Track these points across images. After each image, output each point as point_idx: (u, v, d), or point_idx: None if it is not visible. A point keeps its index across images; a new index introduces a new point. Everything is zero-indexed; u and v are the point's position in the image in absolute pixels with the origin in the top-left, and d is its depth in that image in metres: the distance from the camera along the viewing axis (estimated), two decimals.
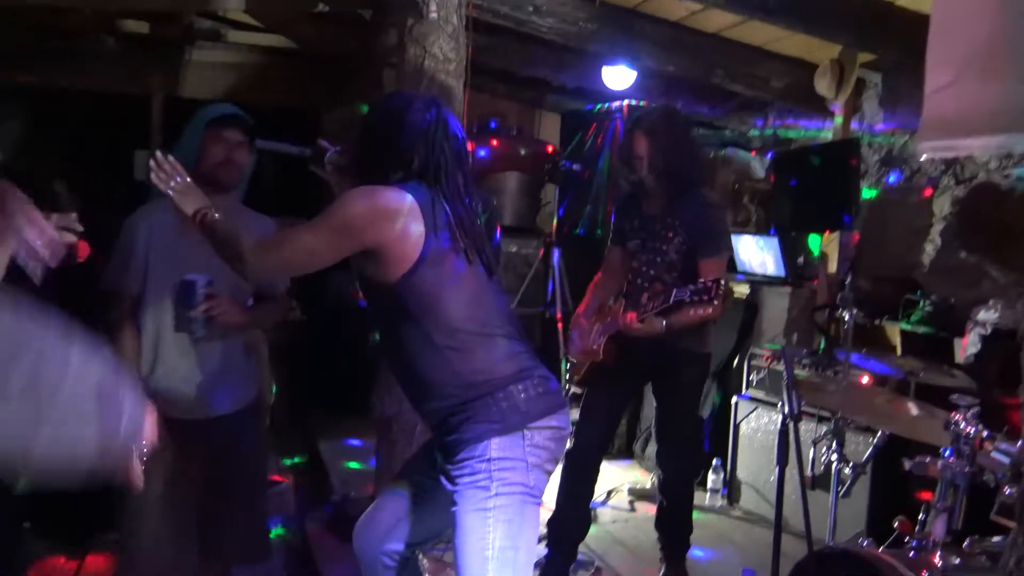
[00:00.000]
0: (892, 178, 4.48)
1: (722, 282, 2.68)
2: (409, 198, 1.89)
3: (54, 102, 5.31)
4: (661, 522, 3.42)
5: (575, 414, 3.29)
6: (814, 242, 4.80)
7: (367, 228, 1.86)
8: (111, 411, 1.22)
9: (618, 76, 4.90)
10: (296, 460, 4.25)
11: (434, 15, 3.15)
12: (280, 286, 2.67)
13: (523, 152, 5.66)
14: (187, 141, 2.52)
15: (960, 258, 3.48)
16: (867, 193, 4.53)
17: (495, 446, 1.89)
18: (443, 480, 1.97)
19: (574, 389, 3.61)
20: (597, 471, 3.34)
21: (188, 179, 2.23)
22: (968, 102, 1.21)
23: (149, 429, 1.44)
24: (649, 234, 3.21)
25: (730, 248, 3.72)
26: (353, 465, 4.55)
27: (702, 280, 2.73)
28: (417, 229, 1.88)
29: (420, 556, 3.19)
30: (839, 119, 4.62)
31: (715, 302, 2.67)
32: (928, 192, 4.26)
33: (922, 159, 3.50)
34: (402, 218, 1.87)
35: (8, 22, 4.52)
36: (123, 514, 2.58)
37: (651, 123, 3.15)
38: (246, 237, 2.01)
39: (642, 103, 4.95)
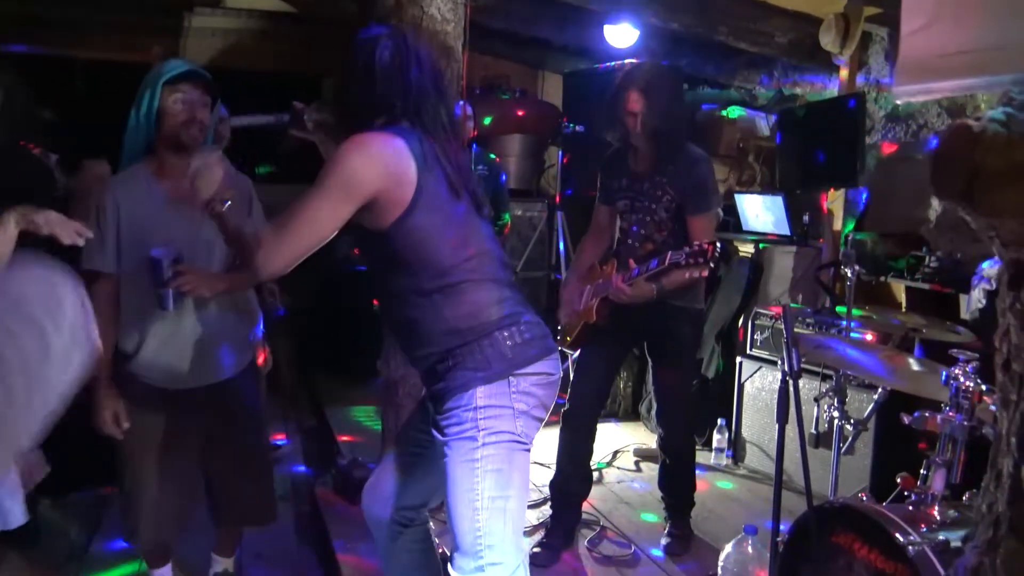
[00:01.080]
0: (899, 133, 4.43)
1: (717, 244, 2.67)
2: (400, 141, 1.86)
3: (54, 71, 5.29)
4: (664, 480, 3.45)
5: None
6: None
7: (365, 180, 1.82)
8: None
9: (621, 35, 4.84)
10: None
11: None
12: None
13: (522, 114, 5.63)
14: (145, 103, 2.45)
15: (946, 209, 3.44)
16: (872, 151, 4.48)
17: (481, 394, 1.89)
18: (434, 432, 1.97)
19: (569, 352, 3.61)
20: (594, 430, 3.35)
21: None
22: (942, 44, 1.19)
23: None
24: (638, 193, 3.20)
25: (720, 203, 3.69)
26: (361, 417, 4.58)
27: (697, 243, 2.72)
28: (410, 172, 1.85)
29: (427, 515, 3.24)
30: (845, 73, 4.55)
31: (710, 264, 2.66)
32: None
33: (899, 103, 3.45)
34: (395, 163, 1.84)
35: None
36: (124, 485, 2.61)
37: (645, 79, 3.12)
38: (254, 237, 1.92)
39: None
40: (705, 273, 2.71)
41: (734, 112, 5.39)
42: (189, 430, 2.56)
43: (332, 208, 1.83)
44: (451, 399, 1.91)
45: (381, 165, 1.83)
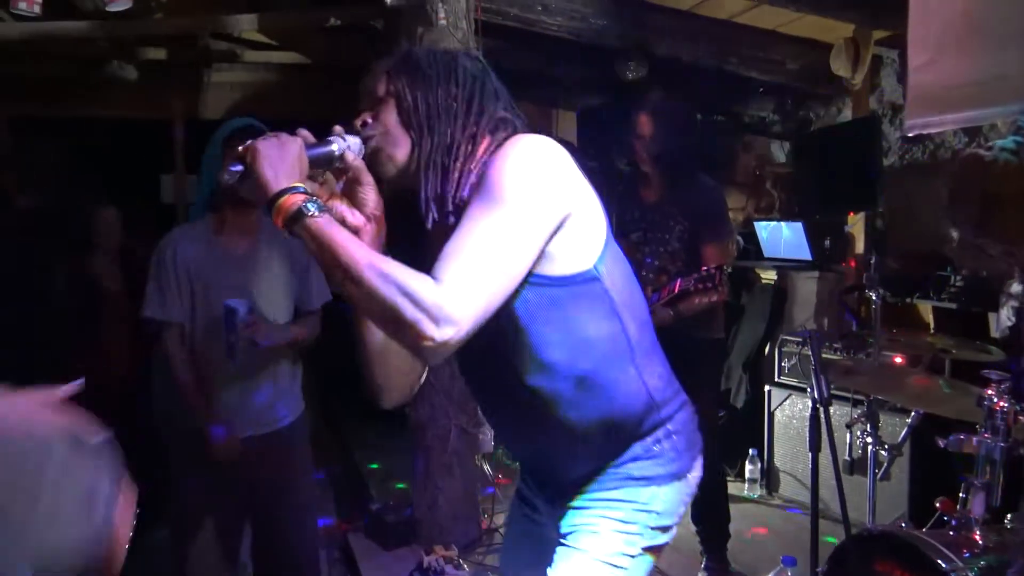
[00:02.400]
0: (915, 154, 4.42)
1: (725, 268, 2.68)
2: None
3: (78, 132, 5.42)
4: (697, 513, 3.41)
5: None
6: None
7: (563, 189, 1.36)
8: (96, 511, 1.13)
9: (631, 70, 4.87)
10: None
11: (443, 21, 3.18)
12: (317, 301, 2.69)
13: None
14: (208, 161, 2.55)
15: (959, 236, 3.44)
16: (889, 170, 4.47)
17: (663, 495, 1.51)
18: (558, 521, 1.55)
19: None
20: None
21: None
22: (949, 77, 1.21)
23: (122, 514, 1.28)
24: (650, 224, 3.21)
25: (732, 231, 3.69)
26: (399, 486, 4.55)
27: (705, 268, 2.72)
28: (588, 186, 1.43)
29: (461, 561, 3.23)
30: (857, 96, 4.56)
31: (720, 288, 2.65)
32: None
33: (910, 135, 3.47)
34: (576, 171, 1.41)
35: (30, 56, 4.62)
36: (172, 539, 2.64)
37: (655, 105, 3.16)
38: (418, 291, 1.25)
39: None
40: (715, 298, 2.69)
41: (748, 140, 5.41)
42: (240, 479, 2.58)
43: (525, 245, 1.32)
44: (624, 489, 1.50)
45: (569, 173, 1.39)
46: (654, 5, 4.33)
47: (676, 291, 2.76)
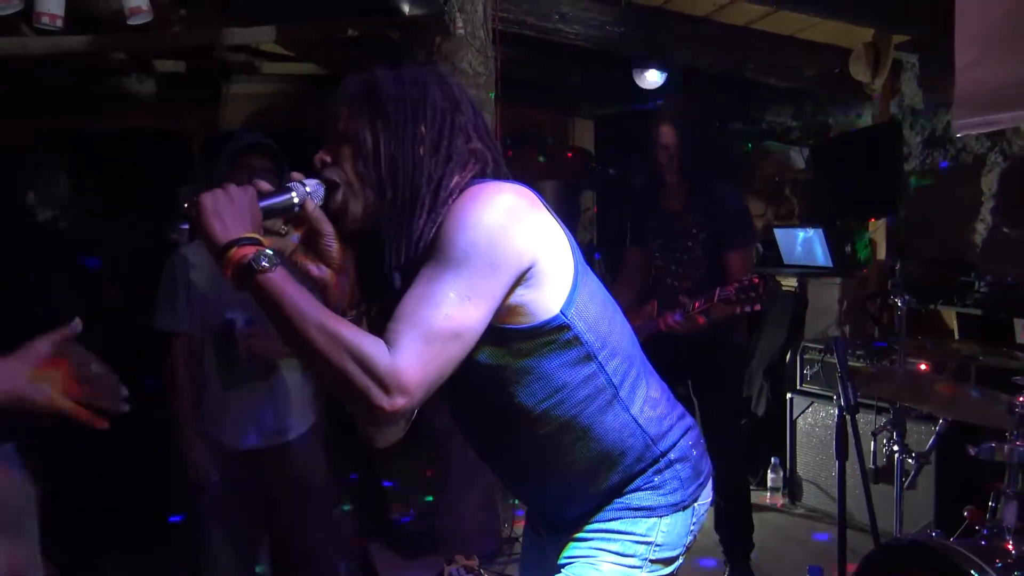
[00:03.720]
0: (937, 158, 4.38)
1: (767, 279, 2.65)
2: (524, 187, 1.38)
3: (96, 145, 5.46)
4: (720, 522, 3.38)
5: None
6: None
7: (521, 241, 1.30)
8: None
9: (649, 77, 4.87)
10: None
11: (461, 31, 3.19)
12: None
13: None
14: (216, 172, 2.56)
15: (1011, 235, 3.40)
16: (912, 176, 4.43)
17: (663, 527, 1.46)
18: (560, 551, 1.51)
19: None
20: None
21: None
22: (996, 77, 1.19)
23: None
24: (671, 231, 3.20)
25: (755, 238, 3.68)
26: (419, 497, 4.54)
27: (746, 278, 2.70)
28: (556, 225, 1.39)
29: (482, 571, 3.21)
30: (877, 101, 4.53)
31: (762, 299, 2.64)
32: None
33: (959, 136, 3.44)
34: (543, 211, 1.37)
35: (48, 68, 4.66)
36: (194, 549, 2.65)
37: (676, 114, 3.16)
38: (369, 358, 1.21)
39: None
40: (757, 308, 2.68)
41: (767, 147, 5.38)
42: (254, 491, 2.59)
43: (482, 304, 1.26)
44: (623, 520, 1.46)
45: (532, 216, 1.34)
46: (671, 12, 4.32)
47: (715, 300, 2.75)
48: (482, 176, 1.39)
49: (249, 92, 5.45)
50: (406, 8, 3.40)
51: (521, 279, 1.30)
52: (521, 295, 1.31)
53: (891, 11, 3.89)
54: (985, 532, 2.13)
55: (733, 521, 3.35)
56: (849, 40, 4.40)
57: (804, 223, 4.98)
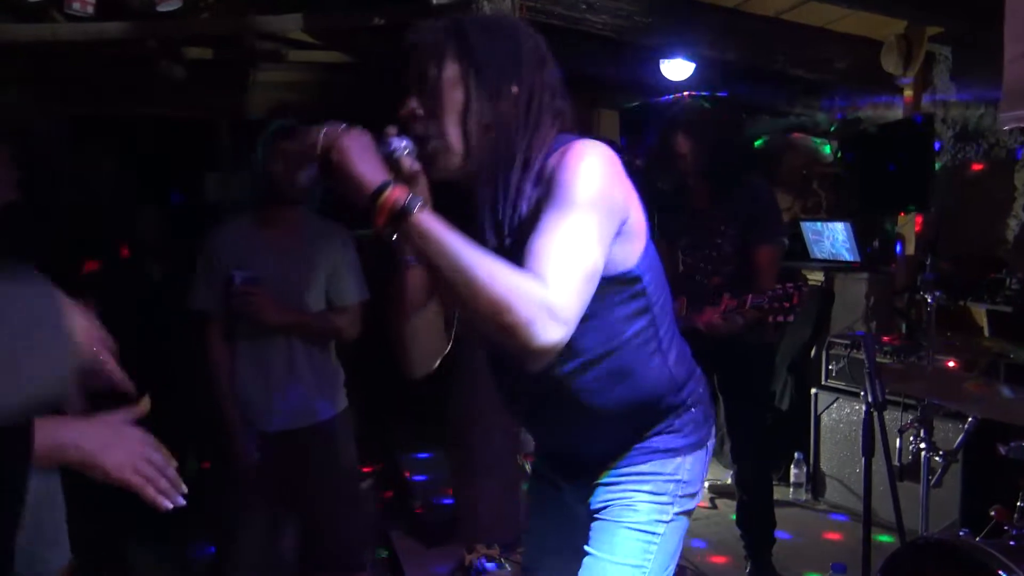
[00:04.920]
0: (969, 153, 4.31)
1: (803, 288, 2.61)
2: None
3: (126, 130, 5.51)
4: (742, 518, 3.37)
5: None
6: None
7: (623, 194, 1.37)
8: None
9: (676, 68, 4.83)
10: None
11: None
12: (350, 297, 2.70)
13: None
14: (254, 156, 2.61)
15: None
16: (942, 170, 4.37)
17: (688, 465, 1.58)
18: (589, 500, 1.59)
19: None
20: None
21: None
22: None
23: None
24: (699, 229, 3.16)
25: (785, 232, 3.62)
26: (441, 486, 4.57)
27: (779, 286, 2.66)
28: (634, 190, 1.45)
29: (503, 560, 3.22)
30: (909, 94, 4.46)
31: (796, 311, 2.58)
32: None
33: (1006, 128, 3.36)
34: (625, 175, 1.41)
35: (78, 56, 4.70)
36: (221, 529, 2.68)
37: (688, 119, 3.10)
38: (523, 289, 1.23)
39: (703, 94, 4.88)
40: (790, 319, 2.63)
41: (795, 140, 5.32)
42: (281, 473, 2.61)
43: (602, 241, 1.32)
44: (652, 463, 1.56)
45: (623, 174, 1.39)
46: (699, 3, 4.27)
47: (746, 307, 2.70)
48: (563, 132, 1.42)
49: (276, 80, 5.47)
50: None
51: (620, 229, 1.37)
52: (615, 244, 1.37)
53: (925, 2, 3.82)
54: (1014, 532, 2.10)
55: (755, 516, 3.33)
56: (881, 32, 4.34)
57: (831, 217, 4.92)
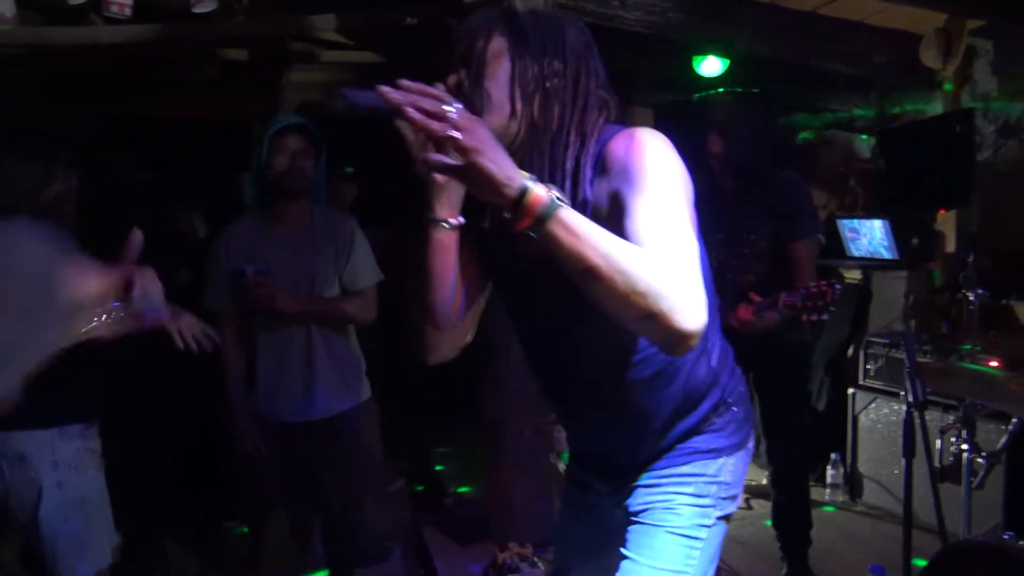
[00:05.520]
0: (1011, 148, 4.22)
1: (837, 285, 2.56)
2: None
3: (162, 131, 5.58)
4: (778, 519, 3.32)
5: None
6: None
7: (687, 186, 1.34)
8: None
9: (710, 65, 4.79)
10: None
11: None
12: (362, 281, 2.72)
13: None
14: (257, 155, 2.67)
15: None
16: (983, 165, 4.28)
17: (730, 466, 1.54)
18: (626, 502, 1.55)
19: None
20: None
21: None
22: None
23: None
24: (732, 226, 3.12)
25: (820, 227, 3.57)
26: (473, 483, 4.56)
27: (814, 284, 2.62)
28: None
29: (536, 559, 3.21)
30: (949, 86, 4.37)
31: (830, 309, 2.54)
32: None
33: None
34: None
35: (113, 58, 4.77)
36: (247, 519, 2.72)
37: (721, 118, 3.07)
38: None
39: (736, 91, 4.83)
40: (825, 317, 2.58)
41: (831, 136, 5.25)
42: (303, 464, 2.66)
43: (690, 224, 1.30)
44: (693, 463, 1.52)
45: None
46: None
47: (780, 305, 2.67)
48: (609, 123, 1.40)
49: (309, 80, 5.50)
50: None
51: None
52: None
53: None
54: None
55: (791, 517, 3.29)
56: (920, 25, 4.25)
57: (869, 214, 4.84)
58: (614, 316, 1.21)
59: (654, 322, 1.17)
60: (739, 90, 4.79)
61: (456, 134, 1.12)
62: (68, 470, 2.18)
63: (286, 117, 2.72)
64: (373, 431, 2.84)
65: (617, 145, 1.32)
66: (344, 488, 2.71)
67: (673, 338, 1.18)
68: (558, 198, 1.15)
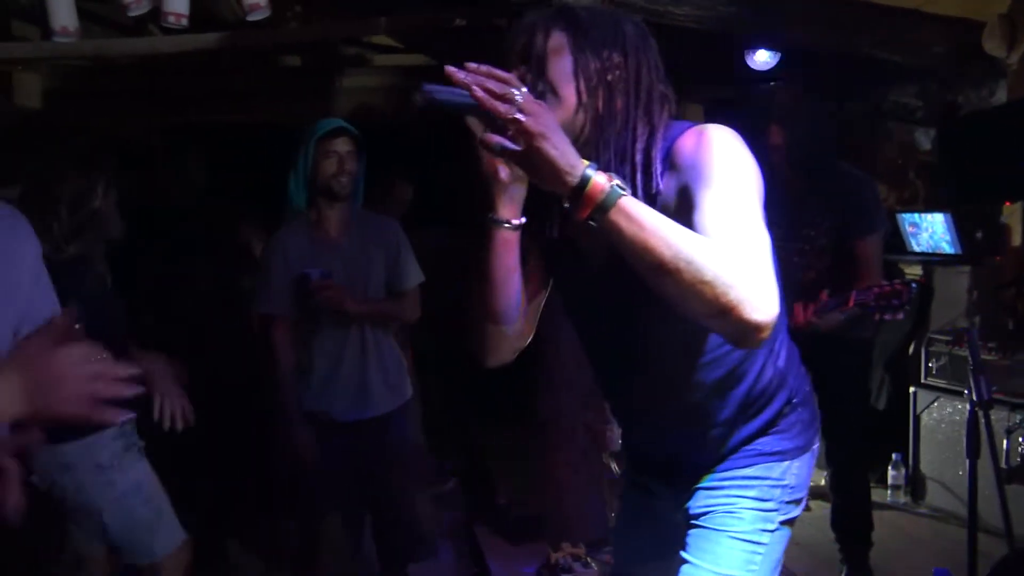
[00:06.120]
0: None
1: (913, 284, 2.49)
2: None
3: (220, 138, 5.70)
4: (837, 521, 3.26)
5: None
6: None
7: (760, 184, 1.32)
8: None
9: (761, 58, 4.71)
10: None
11: None
12: (410, 281, 2.78)
13: None
14: (301, 159, 2.69)
15: None
16: None
17: (795, 469, 1.51)
18: (687, 504, 1.52)
19: None
20: None
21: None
22: None
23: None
24: (793, 222, 3.05)
25: (886, 223, 3.48)
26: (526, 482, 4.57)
27: (887, 283, 2.55)
28: None
29: (589, 559, 3.20)
30: (1014, 78, 4.24)
31: (905, 308, 2.47)
32: None
33: None
34: None
35: (172, 67, 4.90)
36: (299, 517, 2.78)
37: (782, 109, 3.02)
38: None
39: (793, 84, 4.74)
40: (899, 316, 2.51)
41: (890, 128, 5.12)
42: (354, 462, 2.70)
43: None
44: (757, 466, 1.49)
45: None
46: None
47: (850, 305, 2.61)
48: (671, 118, 1.38)
49: (360, 84, 5.57)
50: None
51: None
52: None
53: None
54: None
55: (851, 519, 3.23)
56: (982, 12, 4.13)
57: (929, 208, 4.72)
58: (683, 311, 1.18)
59: (724, 314, 1.14)
60: (795, 82, 4.71)
61: (522, 117, 1.11)
62: (113, 469, 2.25)
63: (329, 121, 2.76)
64: (417, 428, 2.90)
65: (687, 141, 1.30)
66: (393, 484, 2.76)
67: (743, 330, 1.15)
68: (619, 186, 1.14)
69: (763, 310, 1.14)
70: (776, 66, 4.75)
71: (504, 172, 1.26)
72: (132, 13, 3.39)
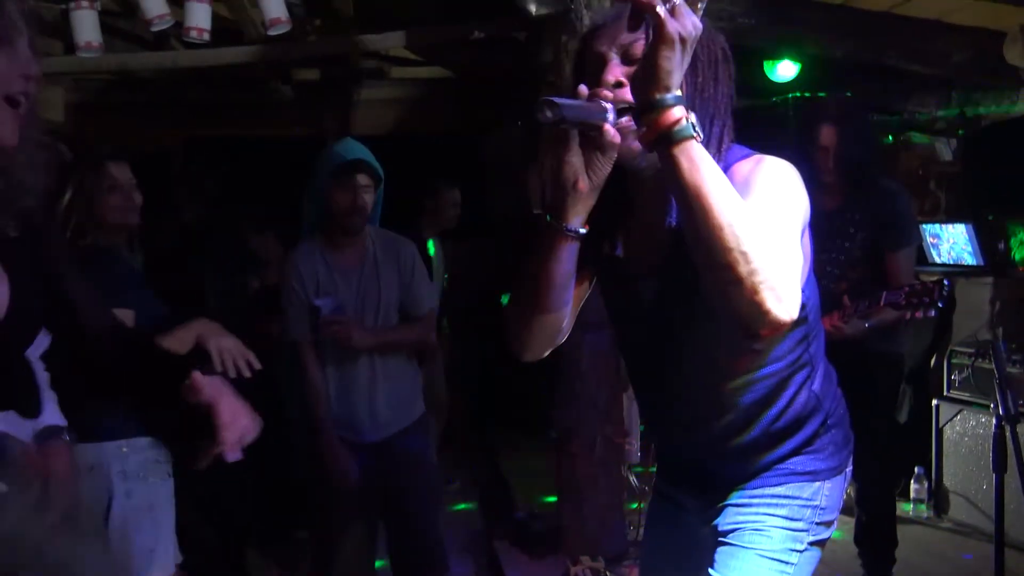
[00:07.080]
0: None
1: (945, 283, 2.48)
2: None
3: (239, 151, 5.75)
4: (861, 536, 3.22)
5: None
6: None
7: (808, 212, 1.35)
8: None
9: (782, 69, 4.70)
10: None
11: None
12: (425, 305, 2.78)
13: None
14: (316, 187, 2.69)
15: None
16: None
17: (826, 490, 1.49)
18: (715, 521, 1.51)
19: None
20: None
21: None
22: None
23: None
24: (829, 231, 3.03)
25: (919, 237, 3.47)
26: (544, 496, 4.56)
27: (916, 282, 2.54)
28: None
29: (608, 573, 3.18)
30: None
31: (938, 305, 2.45)
32: None
33: None
34: None
35: (194, 81, 4.95)
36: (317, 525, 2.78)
37: (837, 113, 3.01)
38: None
39: (820, 95, 4.73)
40: (931, 314, 2.50)
41: (912, 138, 5.09)
42: (370, 481, 2.70)
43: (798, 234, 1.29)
44: (788, 486, 1.48)
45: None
46: (804, 0, 4.14)
47: (882, 304, 2.60)
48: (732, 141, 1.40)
49: (380, 97, 5.60)
50: (533, 8, 3.40)
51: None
52: None
53: None
54: None
55: (876, 534, 3.19)
56: (1003, 22, 4.09)
57: (951, 218, 4.68)
58: (706, 280, 1.18)
59: (747, 293, 1.12)
60: (820, 93, 4.69)
61: (667, 17, 1.11)
62: (137, 480, 2.23)
63: (347, 146, 2.74)
64: (431, 444, 2.89)
65: (744, 165, 1.34)
66: (410, 501, 2.74)
67: (759, 317, 1.14)
68: (695, 127, 1.15)
69: (785, 307, 1.13)
70: (797, 77, 4.74)
71: (584, 182, 1.27)
72: (155, 28, 3.43)
